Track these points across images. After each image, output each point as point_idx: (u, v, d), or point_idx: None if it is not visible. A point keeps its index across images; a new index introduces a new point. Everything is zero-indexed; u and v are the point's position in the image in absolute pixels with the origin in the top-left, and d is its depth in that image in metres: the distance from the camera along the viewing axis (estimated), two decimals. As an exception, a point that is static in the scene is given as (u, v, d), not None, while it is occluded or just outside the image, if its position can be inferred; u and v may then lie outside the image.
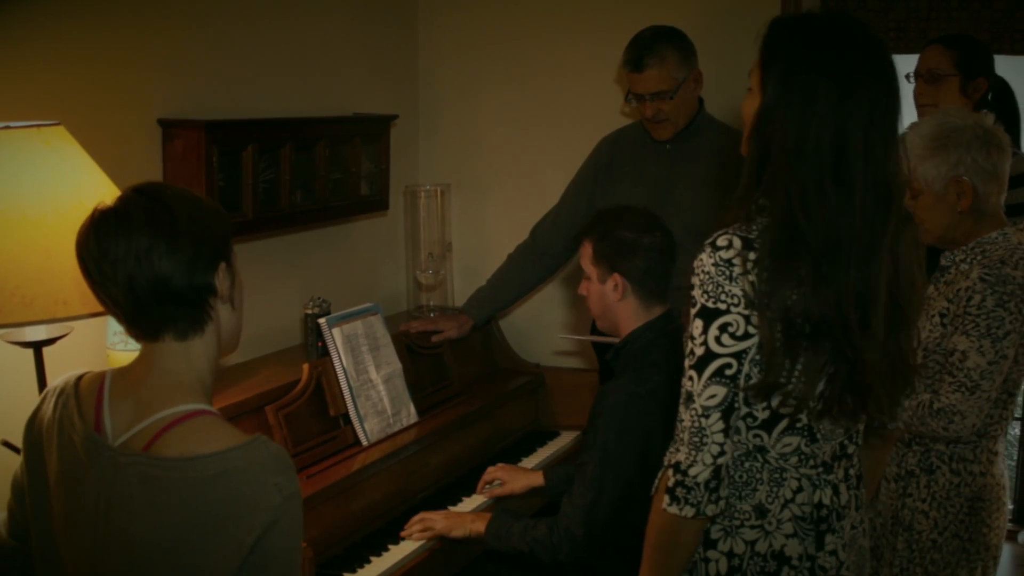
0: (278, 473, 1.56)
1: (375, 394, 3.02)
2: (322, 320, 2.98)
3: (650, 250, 2.56)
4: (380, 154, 3.62)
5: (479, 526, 2.64)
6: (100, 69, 2.69)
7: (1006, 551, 4.24)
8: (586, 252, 2.62)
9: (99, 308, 2.07)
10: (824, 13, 1.79)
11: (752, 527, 1.84)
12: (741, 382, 1.75)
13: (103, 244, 1.59)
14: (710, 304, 1.73)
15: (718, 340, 1.73)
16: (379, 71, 3.88)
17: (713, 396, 1.74)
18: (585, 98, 3.89)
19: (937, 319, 2.47)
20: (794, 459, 1.83)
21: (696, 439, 1.74)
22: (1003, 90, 3.35)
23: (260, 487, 1.54)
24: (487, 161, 4.10)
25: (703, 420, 1.74)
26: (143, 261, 1.57)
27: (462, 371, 3.52)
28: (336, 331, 2.97)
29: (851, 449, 1.91)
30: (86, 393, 1.68)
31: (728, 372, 1.74)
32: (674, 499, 1.76)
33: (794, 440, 1.81)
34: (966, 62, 3.22)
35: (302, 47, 3.43)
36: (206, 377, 1.69)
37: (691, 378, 1.76)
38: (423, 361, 3.35)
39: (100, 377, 1.70)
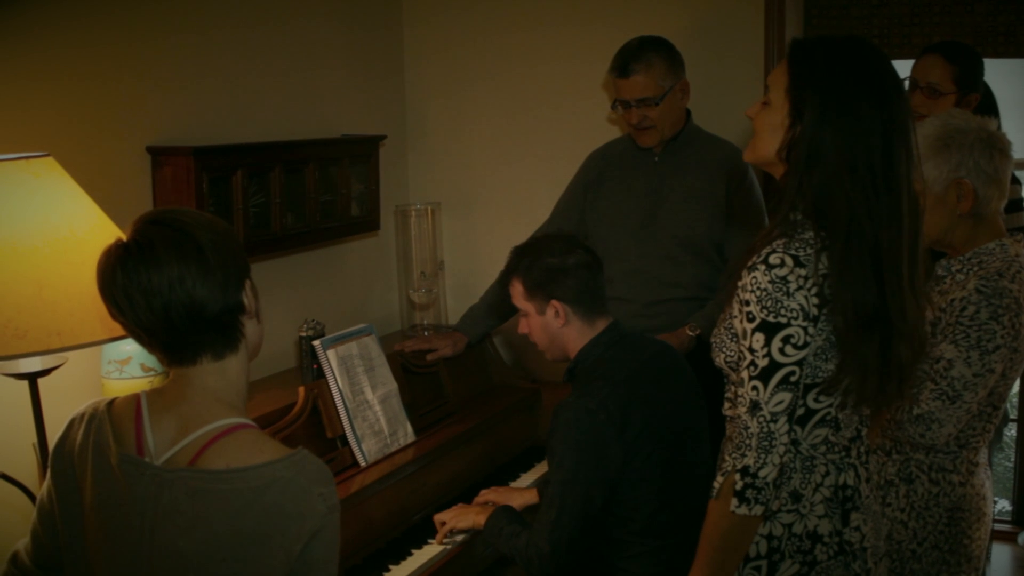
0: (322, 484, 1.61)
1: (372, 415, 3.02)
2: (316, 342, 2.98)
3: (579, 268, 2.59)
4: (369, 175, 3.63)
5: (481, 519, 2.72)
6: (88, 99, 2.70)
7: (1006, 552, 4.26)
8: (517, 290, 2.65)
9: (93, 338, 2.09)
10: (841, 36, 1.96)
11: (788, 511, 2.00)
12: (801, 385, 1.91)
13: (133, 277, 1.60)
14: (771, 319, 1.88)
15: (782, 351, 1.88)
16: (366, 92, 3.89)
17: (781, 402, 1.89)
18: (574, 114, 3.91)
19: (928, 328, 2.37)
20: (822, 448, 2.00)
21: (765, 443, 1.89)
22: (985, 94, 3.37)
23: (306, 497, 1.59)
24: (476, 179, 4.11)
25: (772, 425, 1.90)
26: (178, 290, 1.60)
27: (458, 389, 3.52)
28: (331, 353, 2.97)
29: (863, 432, 2.07)
30: (121, 416, 1.70)
31: (792, 379, 1.89)
32: (744, 500, 1.90)
33: (823, 431, 1.98)
34: (964, 78, 3.25)
35: (289, 70, 3.44)
36: (243, 391, 1.74)
37: (755, 388, 1.90)
38: (419, 380, 3.35)
39: (134, 399, 1.71)
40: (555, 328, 2.62)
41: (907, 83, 3.34)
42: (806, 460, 1.99)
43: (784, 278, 1.86)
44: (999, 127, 2.48)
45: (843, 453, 2.01)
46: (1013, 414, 4.24)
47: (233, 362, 1.70)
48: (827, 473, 2.00)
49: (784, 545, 1.99)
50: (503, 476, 3.33)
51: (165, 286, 1.59)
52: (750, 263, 1.91)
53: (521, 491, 2.99)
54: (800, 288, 1.86)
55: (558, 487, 2.46)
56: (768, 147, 1.96)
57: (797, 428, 1.96)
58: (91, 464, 1.67)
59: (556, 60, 3.91)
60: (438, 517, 2.86)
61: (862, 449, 2.06)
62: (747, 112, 2.04)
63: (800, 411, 1.94)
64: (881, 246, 1.87)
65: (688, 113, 3.39)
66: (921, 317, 1.96)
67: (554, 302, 2.59)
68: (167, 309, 1.60)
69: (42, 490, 1.77)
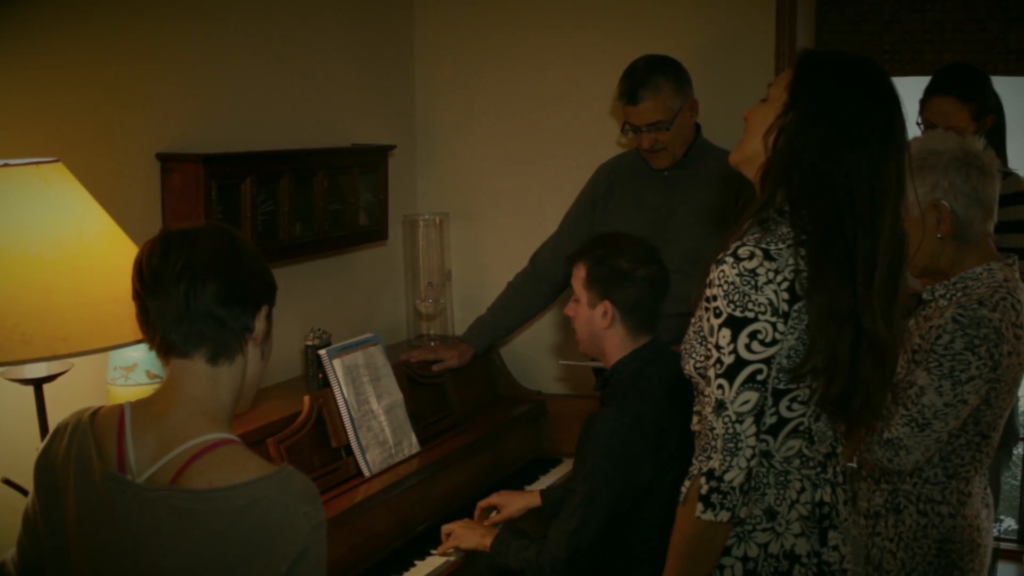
0: (307, 502, 1.59)
1: (376, 425, 3.01)
2: (322, 351, 2.97)
3: (644, 282, 2.56)
4: (378, 184, 3.62)
5: (487, 541, 2.68)
6: (98, 106, 2.70)
7: (1012, 572, 4.23)
8: (579, 274, 2.62)
9: (99, 344, 2.09)
10: (853, 53, 1.96)
11: (764, 530, 1.92)
12: (770, 387, 1.84)
13: (169, 252, 1.66)
14: (737, 313, 1.81)
15: (748, 347, 1.81)
16: (376, 101, 3.89)
17: (747, 402, 1.82)
18: (583, 125, 3.90)
19: (909, 355, 2.37)
20: (796, 461, 1.93)
21: (731, 445, 1.82)
22: (996, 111, 3.36)
23: (291, 516, 1.56)
24: (485, 189, 4.11)
25: (738, 426, 1.82)
26: (202, 275, 1.64)
27: (463, 400, 3.51)
28: (337, 362, 2.97)
29: (838, 449, 2.02)
30: (104, 429, 1.68)
31: (759, 377, 1.82)
32: (709, 506, 1.83)
33: (796, 443, 1.91)
34: (980, 110, 3.23)
35: (299, 79, 3.45)
36: (229, 408, 1.72)
37: (721, 387, 1.83)
38: (424, 391, 3.35)
39: (118, 411, 1.70)
40: (599, 327, 2.59)
41: (921, 125, 3.33)
42: (780, 475, 1.92)
43: (753, 271, 1.81)
44: (986, 146, 2.42)
45: (819, 469, 1.95)
46: (1023, 433, 4.22)
47: (225, 374, 1.70)
48: (803, 489, 1.93)
49: (760, 567, 1.92)
50: (507, 488, 3.31)
51: (191, 269, 1.63)
52: (718, 257, 1.86)
53: (523, 494, 2.99)
54: (769, 282, 1.81)
55: (584, 498, 2.45)
56: (755, 138, 1.92)
57: (769, 438, 1.90)
58: (73, 477, 1.66)
59: (565, 71, 3.91)
60: (446, 528, 2.84)
61: (838, 469, 2.01)
62: (744, 114, 2.00)
63: (772, 419, 1.88)
64: (858, 253, 1.82)
65: (697, 127, 3.38)
66: (893, 339, 1.89)
67: (607, 303, 2.57)
68: (188, 290, 1.63)
69: (27, 501, 1.75)
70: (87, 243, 2.13)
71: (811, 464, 1.94)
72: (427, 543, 2.89)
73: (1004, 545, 4.27)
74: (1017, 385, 2.39)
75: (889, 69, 3.70)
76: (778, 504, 1.92)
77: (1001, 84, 3.41)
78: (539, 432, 3.71)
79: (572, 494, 2.50)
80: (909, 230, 2.26)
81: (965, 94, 3.24)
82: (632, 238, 2.69)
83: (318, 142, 3.49)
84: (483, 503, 2.98)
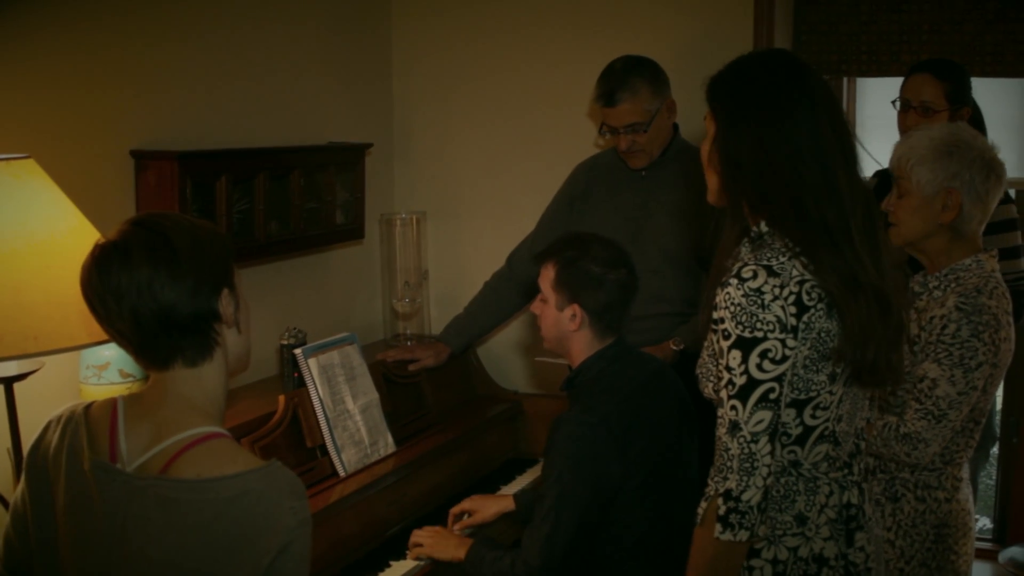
0: (294, 497, 1.59)
1: (352, 424, 2.99)
2: (298, 351, 2.96)
3: (614, 286, 2.55)
4: (355, 183, 3.61)
5: (461, 553, 2.66)
6: (71, 101, 2.67)
7: (987, 571, 4.25)
8: (547, 275, 2.60)
9: (71, 343, 2.07)
10: (745, 54, 2.00)
11: (794, 535, 1.95)
12: (783, 403, 1.86)
13: (105, 279, 1.61)
14: (747, 334, 1.84)
15: (759, 367, 1.84)
16: (353, 99, 3.87)
17: (761, 421, 1.84)
18: (560, 125, 3.89)
19: (907, 345, 2.42)
20: (824, 465, 1.96)
21: (747, 465, 1.84)
22: (974, 111, 3.38)
23: (277, 510, 1.57)
24: (463, 188, 4.10)
25: (753, 446, 1.84)
26: (146, 293, 1.59)
27: (440, 400, 3.50)
28: (312, 361, 2.95)
29: (862, 445, 2.04)
30: (97, 420, 1.68)
31: (772, 396, 1.84)
32: (728, 526, 1.85)
33: (823, 448, 1.94)
34: (955, 94, 3.26)
35: (276, 77, 3.42)
36: (219, 400, 1.72)
37: (734, 407, 1.85)
38: (400, 390, 3.33)
39: (111, 404, 1.70)
40: (566, 329, 2.58)
41: (898, 103, 3.35)
42: (809, 481, 1.95)
43: (758, 290, 1.83)
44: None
45: (845, 471, 1.98)
46: (997, 433, 4.24)
47: (208, 370, 1.69)
48: (831, 493, 1.96)
49: (789, 570, 1.95)
50: (484, 488, 3.31)
51: (134, 289, 1.59)
52: (723, 280, 1.89)
53: (497, 498, 2.98)
54: (776, 299, 1.83)
55: (554, 501, 2.43)
56: (711, 173, 1.97)
57: (797, 448, 1.92)
58: (64, 468, 1.66)
59: (544, 70, 3.90)
60: (415, 538, 2.81)
61: (862, 466, 2.03)
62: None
63: (798, 430, 1.91)
64: (828, 223, 1.85)
65: (675, 128, 3.38)
66: (886, 283, 1.91)
67: (576, 306, 2.55)
68: (135, 312, 1.60)
69: (16, 493, 1.75)
70: (59, 240, 2.11)
71: (838, 465, 1.97)
72: (403, 544, 2.87)
73: (979, 544, 4.29)
74: (1005, 370, 2.48)
75: (867, 70, 3.75)
76: (808, 510, 1.95)
77: (977, 85, 3.42)
78: (516, 432, 3.70)
79: (542, 499, 2.48)
80: (913, 208, 2.44)
81: (941, 73, 3.28)
82: (601, 239, 2.65)
83: (294, 140, 3.47)
84: (456, 509, 2.96)
